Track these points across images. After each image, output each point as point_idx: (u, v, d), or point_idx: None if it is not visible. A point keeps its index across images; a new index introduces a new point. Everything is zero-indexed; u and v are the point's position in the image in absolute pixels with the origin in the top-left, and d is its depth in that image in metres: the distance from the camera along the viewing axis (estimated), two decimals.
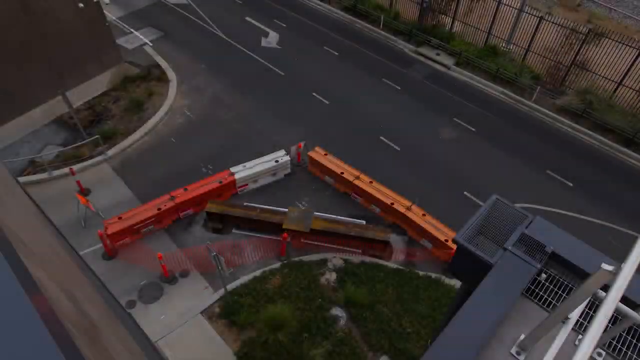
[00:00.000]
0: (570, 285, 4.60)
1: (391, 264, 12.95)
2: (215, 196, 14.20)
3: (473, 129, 17.67)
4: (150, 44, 21.42)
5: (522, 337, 3.95)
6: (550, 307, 4.42)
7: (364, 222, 13.74)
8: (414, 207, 13.72)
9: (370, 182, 14.45)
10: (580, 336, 4.04)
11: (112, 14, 23.05)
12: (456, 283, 11.90)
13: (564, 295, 4.50)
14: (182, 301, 11.95)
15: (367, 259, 13.03)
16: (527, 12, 19.58)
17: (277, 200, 14.52)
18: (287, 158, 15.15)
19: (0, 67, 15.23)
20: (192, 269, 12.75)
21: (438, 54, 21.40)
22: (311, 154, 15.34)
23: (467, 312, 4.08)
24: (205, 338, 11.14)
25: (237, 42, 20.71)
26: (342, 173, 14.67)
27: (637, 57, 16.87)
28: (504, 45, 21.05)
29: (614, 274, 2.60)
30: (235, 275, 12.51)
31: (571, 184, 15.70)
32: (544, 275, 4.64)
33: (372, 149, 16.71)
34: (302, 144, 15.71)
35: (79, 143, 15.66)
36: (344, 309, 11.66)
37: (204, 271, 12.67)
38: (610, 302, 2.45)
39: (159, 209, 13.28)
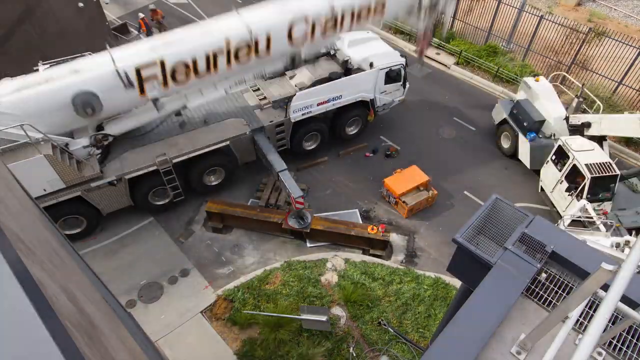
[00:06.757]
0: (570, 285, 4.60)
1: (391, 264, 12.95)
2: None
3: (473, 128, 17.66)
4: None
5: (522, 336, 3.96)
6: (551, 306, 4.42)
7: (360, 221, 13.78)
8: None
9: None
10: (580, 335, 4.04)
11: (112, 14, 23.05)
12: (456, 283, 11.89)
13: (564, 294, 4.50)
14: (182, 301, 11.95)
15: (368, 258, 13.03)
16: (527, 12, 19.57)
17: None
18: None
19: (2, 67, 15.22)
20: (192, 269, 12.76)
21: (438, 53, 21.42)
22: None
23: (467, 312, 4.08)
24: (205, 337, 11.14)
25: None
26: None
27: (637, 57, 16.87)
28: (504, 44, 21.05)
29: (614, 274, 2.60)
30: (235, 274, 12.52)
31: None
32: (544, 275, 4.65)
33: (372, 147, 16.74)
34: None
35: None
36: (344, 308, 11.66)
37: (204, 270, 12.69)
38: (610, 302, 2.46)
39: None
